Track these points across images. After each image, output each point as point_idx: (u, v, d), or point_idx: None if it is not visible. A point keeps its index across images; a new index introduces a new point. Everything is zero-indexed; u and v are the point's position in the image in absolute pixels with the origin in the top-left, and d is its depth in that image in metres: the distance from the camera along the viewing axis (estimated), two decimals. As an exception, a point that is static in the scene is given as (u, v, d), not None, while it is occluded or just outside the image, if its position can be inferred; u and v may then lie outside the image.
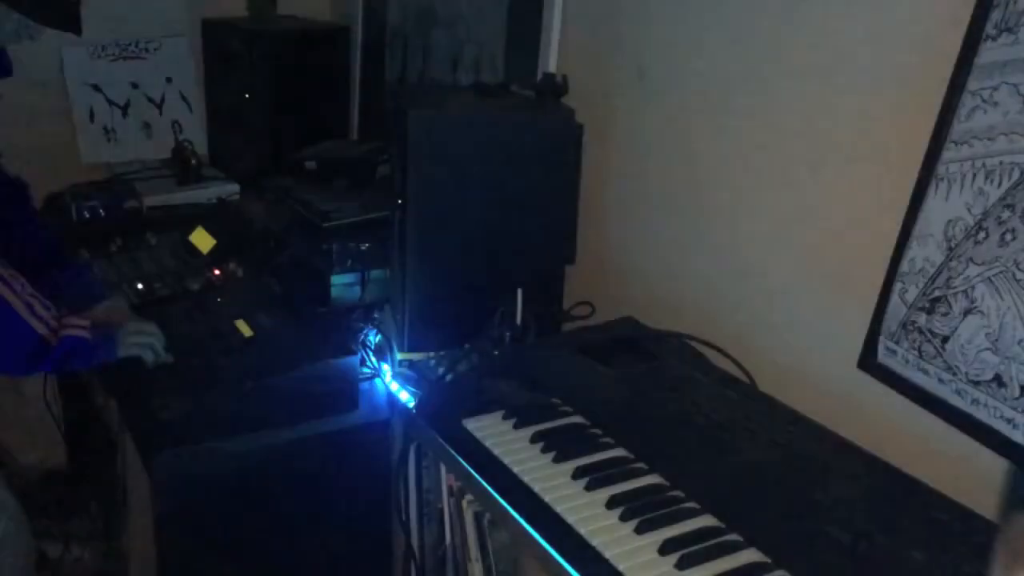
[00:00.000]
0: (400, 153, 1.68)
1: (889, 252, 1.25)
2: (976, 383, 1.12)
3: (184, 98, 2.84)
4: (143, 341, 1.73)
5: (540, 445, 1.26)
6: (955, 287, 1.14)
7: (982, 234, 1.11)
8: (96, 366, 1.71)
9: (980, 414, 1.12)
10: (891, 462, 1.21)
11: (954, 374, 1.15)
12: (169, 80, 2.82)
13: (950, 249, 1.15)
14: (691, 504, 1.14)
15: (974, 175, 1.12)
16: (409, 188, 1.65)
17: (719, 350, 1.53)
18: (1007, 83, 1.08)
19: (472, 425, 1.32)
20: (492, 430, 1.31)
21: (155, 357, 1.73)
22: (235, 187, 2.54)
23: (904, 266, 1.22)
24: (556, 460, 1.23)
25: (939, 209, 1.17)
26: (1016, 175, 1.07)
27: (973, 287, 1.12)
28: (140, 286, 2.00)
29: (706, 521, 1.11)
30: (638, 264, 1.82)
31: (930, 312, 1.18)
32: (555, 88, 1.76)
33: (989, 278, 1.10)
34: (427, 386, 1.64)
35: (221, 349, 1.77)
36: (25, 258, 1.70)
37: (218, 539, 1.71)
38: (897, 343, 1.23)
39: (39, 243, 1.93)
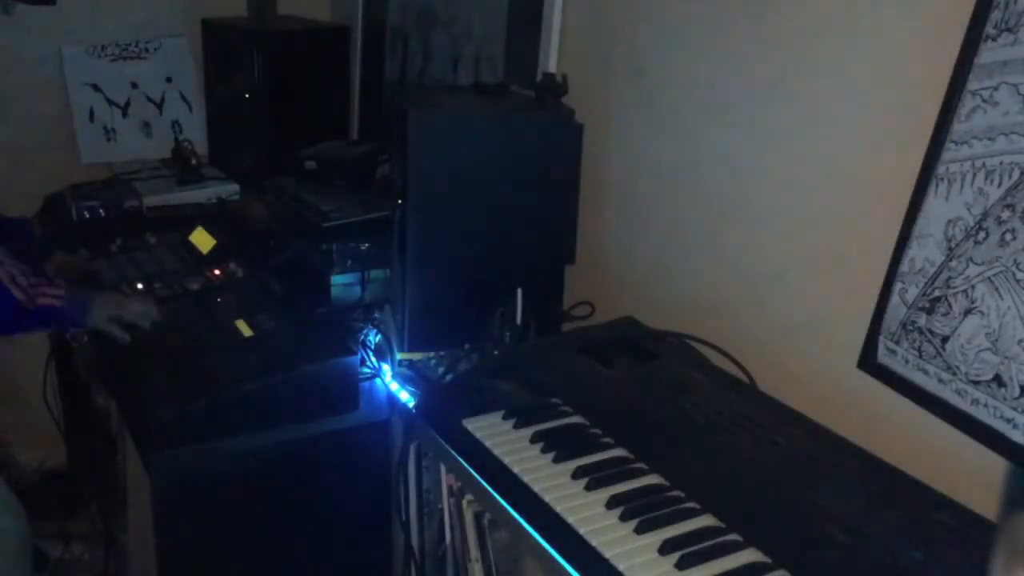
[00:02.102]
0: (400, 153, 1.68)
1: (889, 252, 1.25)
2: (976, 383, 1.12)
3: (184, 98, 2.84)
4: (115, 316, 1.78)
5: (540, 445, 1.26)
6: (955, 287, 1.14)
7: (982, 234, 1.11)
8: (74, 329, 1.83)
9: (980, 414, 1.12)
10: (891, 462, 1.21)
11: (954, 374, 1.15)
12: (169, 80, 2.82)
13: (950, 249, 1.15)
14: (691, 504, 1.14)
15: (974, 175, 1.12)
16: (409, 188, 1.65)
17: (719, 350, 1.53)
18: (1007, 83, 1.08)
19: (472, 425, 1.32)
20: (492, 430, 1.31)
21: (141, 330, 1.78)
22: (235, 187, 2.54)
23: (904, 266, 1.22)
24: (556, 460, 1.23)
25: (939, 209, 1.17)
26: (1016, 175, 1.07)
27: (973, 287, 1.12)
28: (140, 286, 2.00)
29: (706, 521, 1.11)
30: (638, 264, 1.82)
31: (930, 312, 1.18)
32: (555, 88, 1.76)
33: (989, 278, 1.10)
34: (427, 386, 1.64)
35: (221, 349, 1.77)
36: None
37: (218, 539, 1.71)
38: (897, 343, 1.23)
39: None
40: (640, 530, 1.08)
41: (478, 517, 1.33)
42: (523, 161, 1.70)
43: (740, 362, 1.50)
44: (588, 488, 1.17)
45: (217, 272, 2.06)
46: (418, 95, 2.02)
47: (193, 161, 2.57)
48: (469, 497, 1.34)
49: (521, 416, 1.32)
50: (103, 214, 2.39)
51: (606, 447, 1.26)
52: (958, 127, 1.15)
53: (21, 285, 1.72)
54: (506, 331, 1.67)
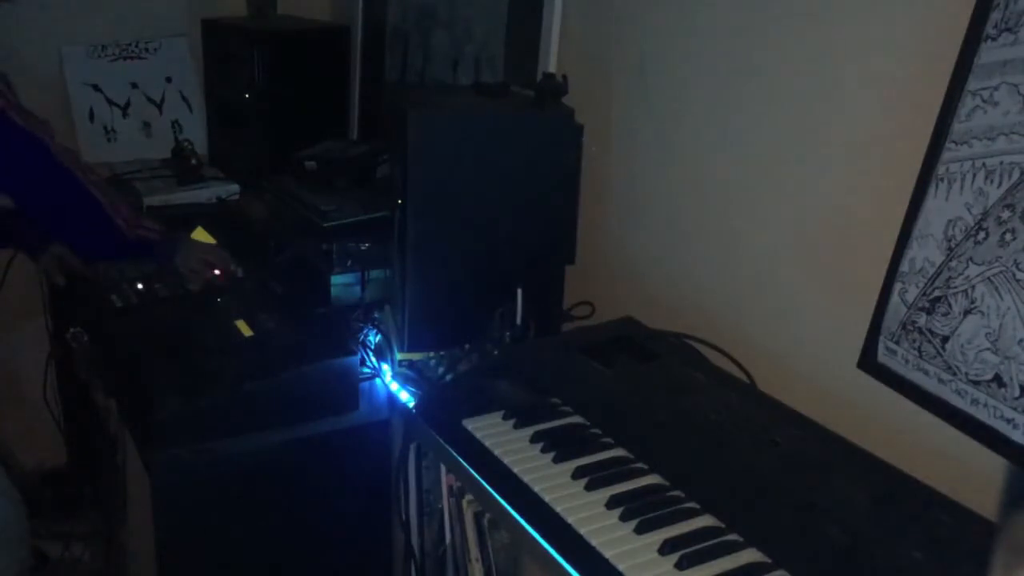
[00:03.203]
0: (400, 153, 1.68)
1: (889, 252, 1.25)
2: (976, 383, 1.12)
3: (184, 98, 2.84)
4: (201, 259, 2.00)
5: (540, 445, 1.26)
6: (955, 287, 1.14)
7: (982, 234, 1.11)
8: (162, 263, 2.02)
9: (980, 414, 1.12)
10: (891, 462, 1.21)
11: (954, 374, 1.15)
12: (169, 80, 2.82)
13: (950, 249, 1.15)
14: (691, 504, 1.14)
15: (974, 175, 1.12)
16: (409, 188, 1.65)
17: (719, 350, 1.53)
18: (1007, 83, 1.08)
19: (472, 425, 1.32)
20: (492, 430, 1.31)
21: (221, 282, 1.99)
22: (235, 187, 2.54)
23: (904, 266, 1.22)
24: (556, 460, 1.23)
25: (939, 209, 1.17)
26: (1016, 175, 1.07)
27: (973, 287, 1.12)
28: (140, 286, 2.00)
29: (706, 521, 1.11)
30: (638, 264, 1.82)
31: (930, 312, 1.18)
32: (555, 88, 1.76)
33: (989, 278, 1.10)
34: (427, 386, 1.64)
35: (221, 349, 1.77)
36: None
37: (218, 539, 1.71)
38: (897, 343, 1.23)
39: None
40: (640, 530, 1.08)
41: (478, 517, 1.33)
42: (523, 161, 1.70)
43: (740, 362, 1.50)
44: (588, 488, 1.17)
45: (217, 272, 2.06)
46: (418, 96, 2.02)
47: (193, 161, 2.57)
48: (469, 497, 1.34)
49: (521, 416, 1.32)
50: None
51: (606, 447, 1.26)
52: (958, 127, 1.15)
53: (123, 215, 1.90)
54: (506, 331, 1.67)
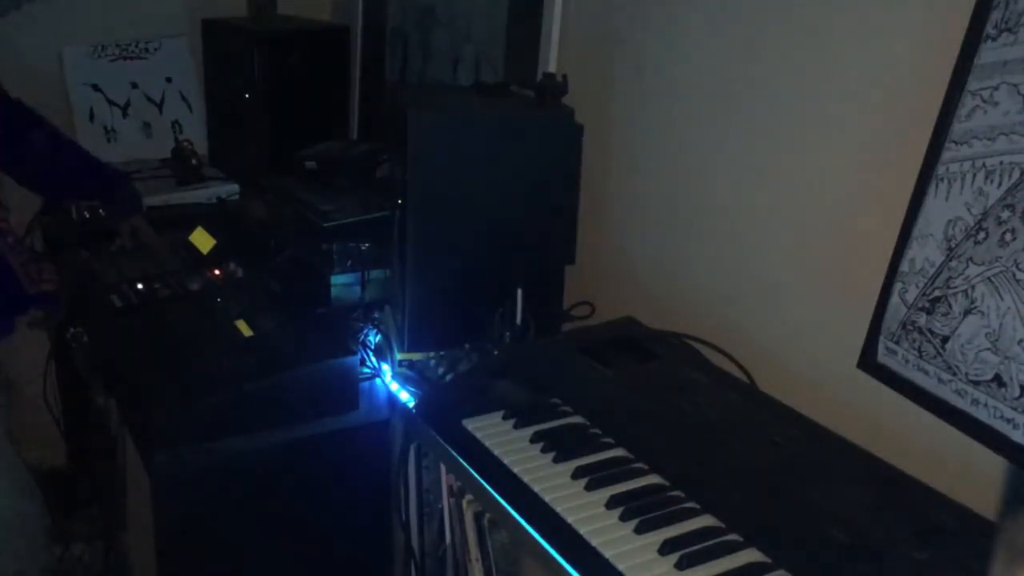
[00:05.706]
0: (400, 153, 1.68)
1: (889, 252, 1.25)
2: (976, 383, 1.12)
3: (184, 98, 2.84)
4: None
5: (540, 445, 1.26)
6: (955, 287, 1.14)
7: (982, 234, 1.11)
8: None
9: (980, 414, 1.12)
10: (891, 462, 1.21)
11: (954, 374, 1.15)
12: (169, 80, 2.82)
13: (950, 249, 1.15)
14: (691, 504, 1.14)
15: (974, 175, 1.12)
16: (409, 188, 1.65)
17: (719, 350, 1.53)
18: (1007, 83, 1.08)
19: (472, 425, 1.32)
20: (492, 430, 1.31)
21: None
22: (235, 187, 2.54)
23: (904, 266, 1.22)
24: (556, 460, 1.23)
25: (939, 209, 1.17)
26: (1016, 175, 1.07)
27: (973, 287, 1.12)
28: (140, 286, 2.00)
29: (706, 521, 1.11)
30: (638, 264, 1.82)
31: (930, 312, 1.18)
32: (555, 88, 1.76)
33: (989, 278, 1.10)
34: (427, 386, 1.64)
35: (221, 349, 1.77)
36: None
37: (218, 539, 1.71)
38: (897, 343, 1.23)
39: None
40: (640, 530, 1.08)
41: (478, 517, 1.33)
42: (523, 161, 1.70)
43: (740, 362, 1.50)
44: (588, 488, 1.17)
45: (217, 272, 2.06)
46: (418, 95, 2.02)
47: (193, 161, 2.57)
48: (469, 497, 1.34)
49: (521, 416, 1.32)
50: (103, 214, 2.39)
51: (606, 447, 1.26)
52: (958, 127, 1.15)
53: (29, 272, 1.93)
54: (506, 331, 1.67)
